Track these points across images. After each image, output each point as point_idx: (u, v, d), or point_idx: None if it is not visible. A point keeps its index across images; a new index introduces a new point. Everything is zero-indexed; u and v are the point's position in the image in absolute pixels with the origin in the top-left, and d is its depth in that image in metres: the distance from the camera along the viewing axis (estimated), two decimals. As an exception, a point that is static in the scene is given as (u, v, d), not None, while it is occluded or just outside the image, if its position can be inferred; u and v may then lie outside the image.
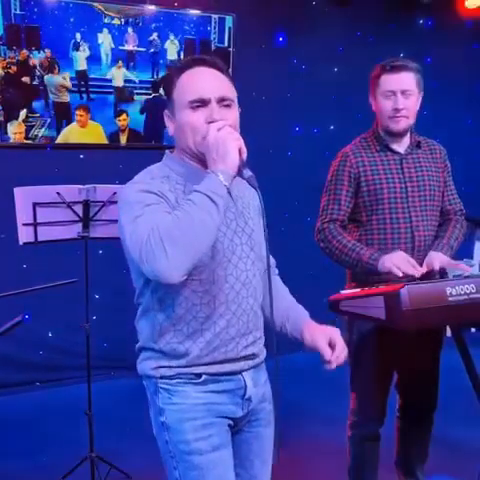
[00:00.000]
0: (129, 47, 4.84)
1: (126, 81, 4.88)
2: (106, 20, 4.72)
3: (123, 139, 4.93)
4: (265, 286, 1.80)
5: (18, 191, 3.02)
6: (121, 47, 4.82)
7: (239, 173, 1.64)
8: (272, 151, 5.33)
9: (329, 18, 5.50)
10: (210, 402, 1.75)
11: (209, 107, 1.70)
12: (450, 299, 2.12)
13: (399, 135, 2.65)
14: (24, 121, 4.58)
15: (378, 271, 2.47)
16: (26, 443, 3.78)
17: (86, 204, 3.10)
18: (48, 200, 3.04)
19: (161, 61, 4.97)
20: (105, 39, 4.74)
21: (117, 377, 4.71)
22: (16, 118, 4.55)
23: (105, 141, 4.88)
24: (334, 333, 1.81)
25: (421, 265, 2.49)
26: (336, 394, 3.20)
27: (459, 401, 3.27)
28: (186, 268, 1.55)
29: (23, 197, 3.02)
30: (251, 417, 1.85)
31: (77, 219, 3.11)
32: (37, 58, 4.53)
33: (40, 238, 3.07)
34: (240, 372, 1.79)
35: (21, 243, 3.08)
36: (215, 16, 5.06)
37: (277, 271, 2.03)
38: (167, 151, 1.83)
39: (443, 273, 2.43)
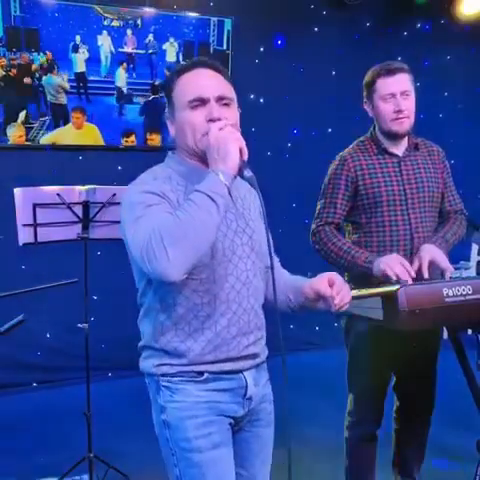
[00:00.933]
0: (128, 49, 4.86)
1: (125, 83, 4.91)
2: (105, 22, 4.75)
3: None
4: (268, 285, 1.81)
5: (18, 192, 3.02)
6: (120, 49, 4.84)
7: (240, 173, 1.64)
8: (270, 153, 5.35)
9: (327, 21, 5.53)
10: (211, 400, 1.76)
11: (208, 106, 1.71)
12: (447, 300, 2.13)
13: (400, 137, 2.65)
14: (23, 123, 4.60)
15: (373, 274, 2.48)
16: (24, 443, 3.78)
17: (86, 205, 3.09)
18: (48, 201, 3.03)
19: (160, 63, 4.99)
20: (105, 41, 4.77)
21: (115, 378, 4.72)
22: (15, 120, 4.57)
23: (102, 142, 4.90)
24: (332, 274, 1.82)
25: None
26: (333, 395, 3.20)
27: (456, 403, 3.28)
28: (187, 267, 1.56)
29: (23, 198, 3.01)
30: (252, 417, 1.86)
31: (77, 220, 3.11)
32: (37, 60, 4.55)
33: (40, 239, 3.06)
34: (241, 371, 1.79)
35: (21, 244, 3.07)
36: (214, 19, 5.08)
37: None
38: (169, 152, 1.85)
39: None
